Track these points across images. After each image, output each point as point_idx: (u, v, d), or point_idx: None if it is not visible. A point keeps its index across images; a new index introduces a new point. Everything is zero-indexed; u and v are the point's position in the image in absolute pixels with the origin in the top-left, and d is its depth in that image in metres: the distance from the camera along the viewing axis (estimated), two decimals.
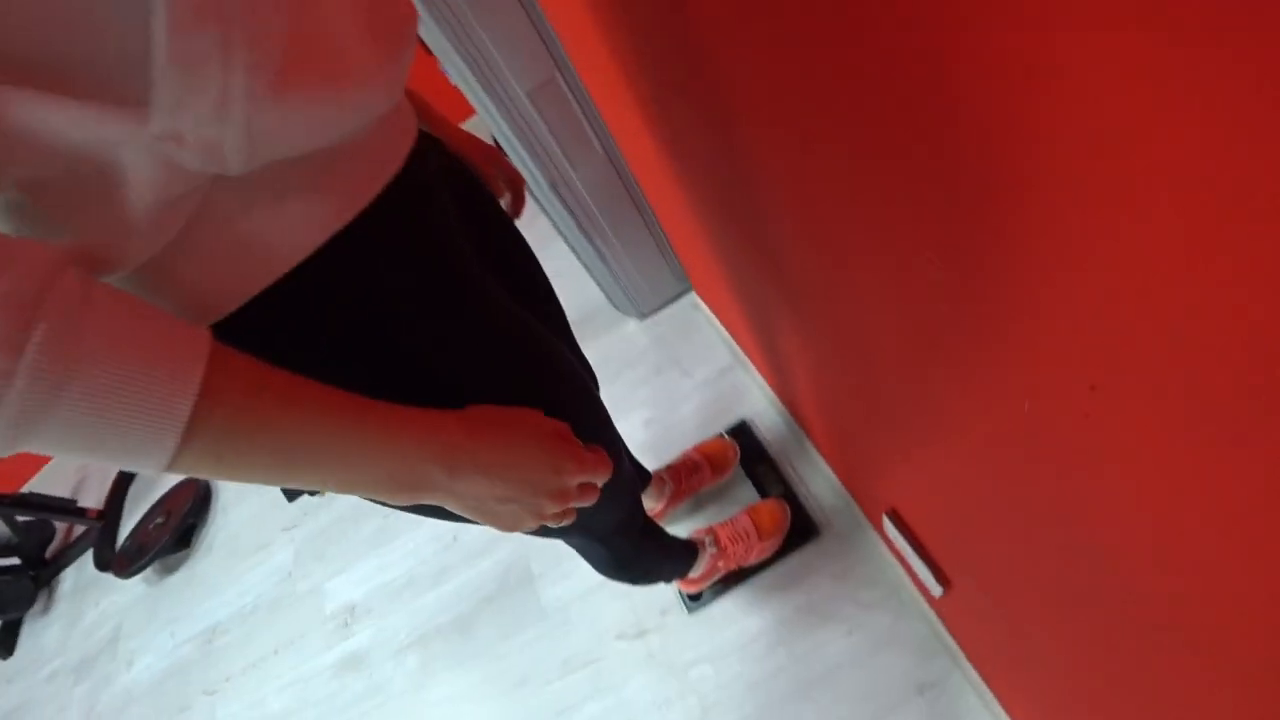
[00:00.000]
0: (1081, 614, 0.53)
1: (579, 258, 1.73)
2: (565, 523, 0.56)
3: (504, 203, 0.87)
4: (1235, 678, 0.38)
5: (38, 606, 2.25)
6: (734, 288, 1.17)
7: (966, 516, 0.68)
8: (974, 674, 1.05)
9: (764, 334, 1.19)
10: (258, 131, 0.39)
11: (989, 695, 1.04)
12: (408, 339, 0.51)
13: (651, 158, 1.10)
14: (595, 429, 0.73)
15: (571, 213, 1.55)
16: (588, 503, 0.56)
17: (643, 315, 1.87)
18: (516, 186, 0.87)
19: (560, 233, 1.65)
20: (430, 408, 0.46)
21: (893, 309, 0.53)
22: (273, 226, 0.44)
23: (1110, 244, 0.27)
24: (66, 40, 0.32)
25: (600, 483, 0.56)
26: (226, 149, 0.38)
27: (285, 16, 0.38)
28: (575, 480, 0.53)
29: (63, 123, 0.33)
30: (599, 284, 1.83)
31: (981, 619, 0.87)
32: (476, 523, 0.51)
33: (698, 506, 1.49)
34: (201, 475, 0.37)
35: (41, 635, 2.18)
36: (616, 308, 1.91)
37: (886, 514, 0.99)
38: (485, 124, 1.31)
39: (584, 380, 0.72)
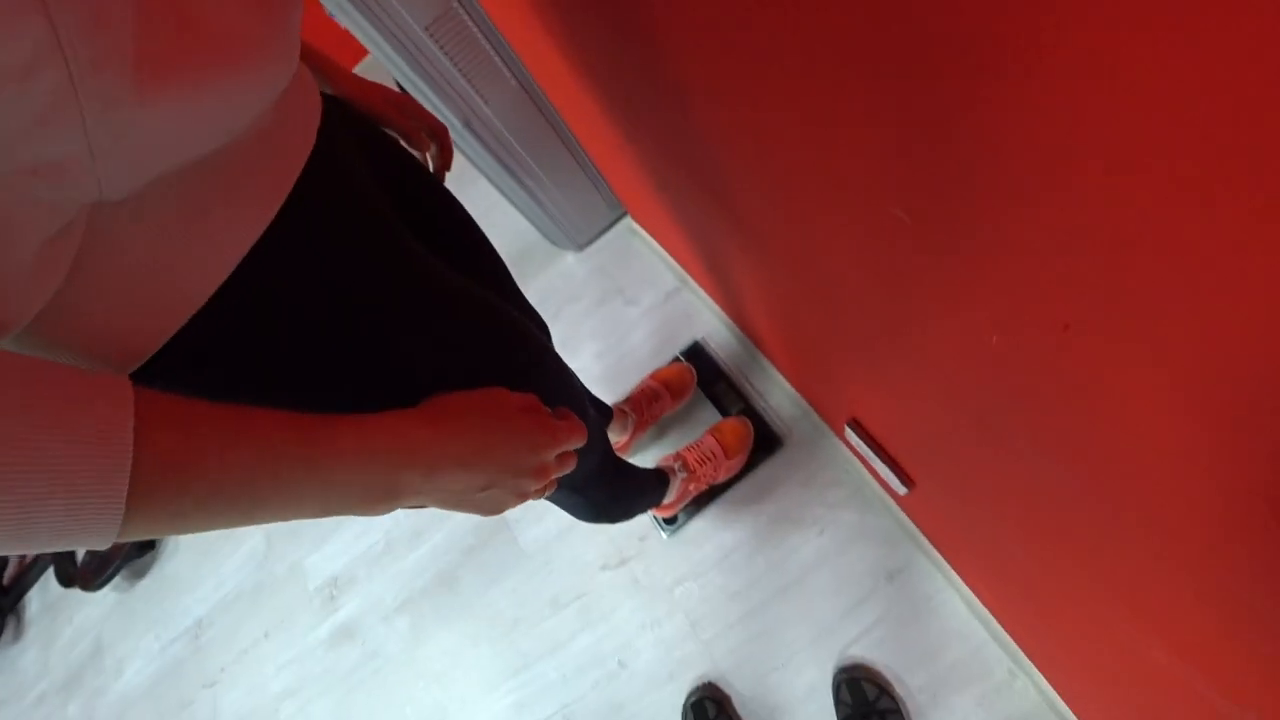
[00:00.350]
0: (1039, 506, 0.55)
1: (505, 195, 1.64)
2: (548, 494, 0.55)
3: (429, 157, 0.79)
4: (1168, 548, 0.40)
5: (7, 635, 2.18)
6: (672, 211, 1.13)
7: (930, 427, 0.69)
8: (937, 555, 1.12)
9: (708, 255, 1.15)
10: (129, 145, 0.31)
11: (951, 572, 1.11)
12: (352, 338, 0.47)
13: (569, 82, 1.02)
14: (559, 389, 0.70)
15: (490, 149, 1.45)
16: (567, 471, 0.54)
17: (579, 246, 1.80)
18: (441, 138, 0.79)
19: (481, 171, 1.55)
20: (390, 409, 0.43)
21: (852, 241, 0.51)
22: (182, 248, 0.38)
23: (1089, 192, 0.25)
24: None
25: (576, 447, 0.54)
26: (96, 175, 0.31)
27: None
28: (553, 454, 0.51)
29: None
30: (529, 219, 1.75)
31: (943, 509, 0.91)
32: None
33: (661, 433, 1.50)
34: (165, 535, 0.33)
35: (19, 661, 2.12)
36: (551, 242, 1.83)
37: (848, 424, 1.01)
38: (382, 66, 1.19)
39: (539, 340, 0.69)
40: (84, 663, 1.98)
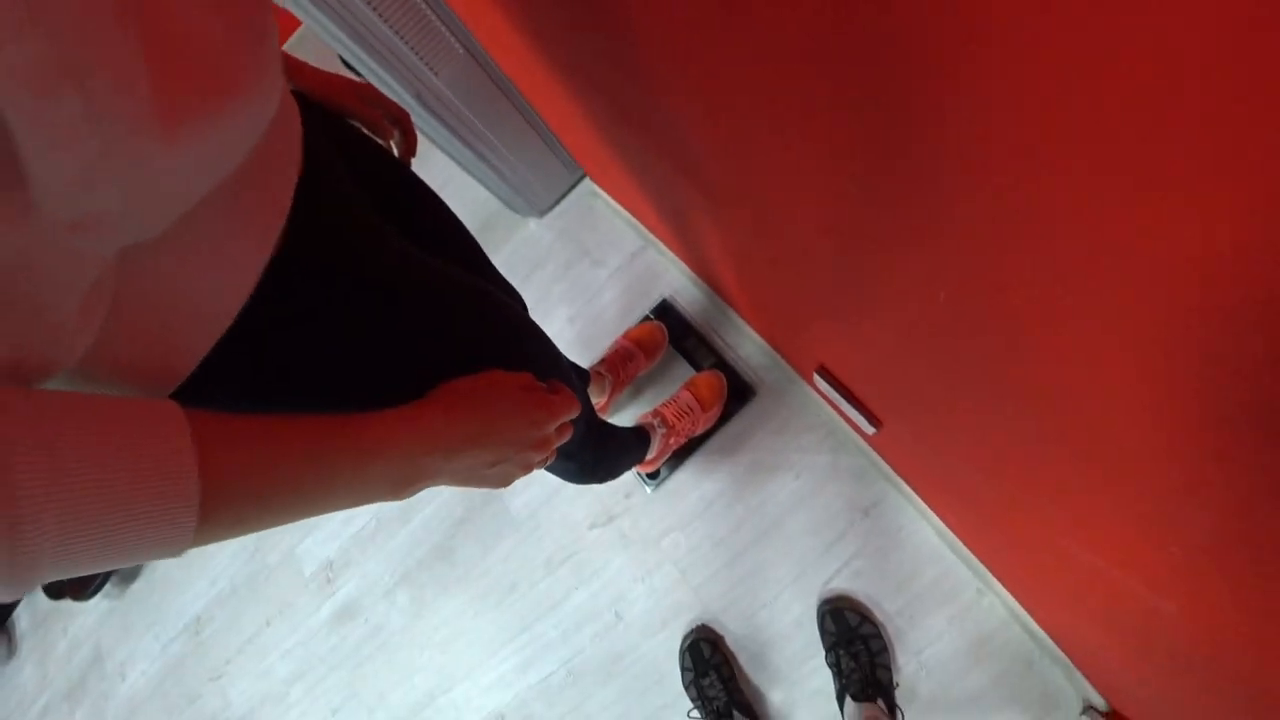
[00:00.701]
0: (992, 436, 0.59)
1: (462, 166, 1.61)
2: (549, 463, 0.59)
3: (393, 143, 0.79)
4: (1104, 475, 0.44)
5: (0, 652, 2.18)
6: (630, 172, 1.13)
7: (892, 370, 0.72)
8: (907, 489, 1.18)
9: (669, 214, 1.16)
10: (160, 190, 0.33)
11: (921, 504, 1.17)
12: (361, 341, 0.50)
13: (518, 48, 1.01)
14: (547, 362, 0.73)
15: (443, 121, 1.42)
16: (565, 440, 0.58)
17: (541, 212, 1.79)
18: (404, 124, 0.80)
19: (436, 144, 1.52)
20: (402, 400, 0.46)
21: (807, 206, 0.53)
22: (209, 273, 0.40)
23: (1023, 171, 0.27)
24: None
25: (572, 418, 0.58)
26: (131, 221, 0.33)
27: (134, 42, 0.30)
28: (553, 426, 0.55)
29: None
30: (489, 189, 1.72)
31: (910, 446, 0.95)
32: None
33: (637, 391, 1.53)
34: (225, 539, 0.36)
35: (17, 677, 2.12)
36: (512, 210, 1.82)
37: (816, 371, 1.04)
38: (317, 37, 1.15)
39: (524, 318, 0.72)
40: (85, 671, 2.00)
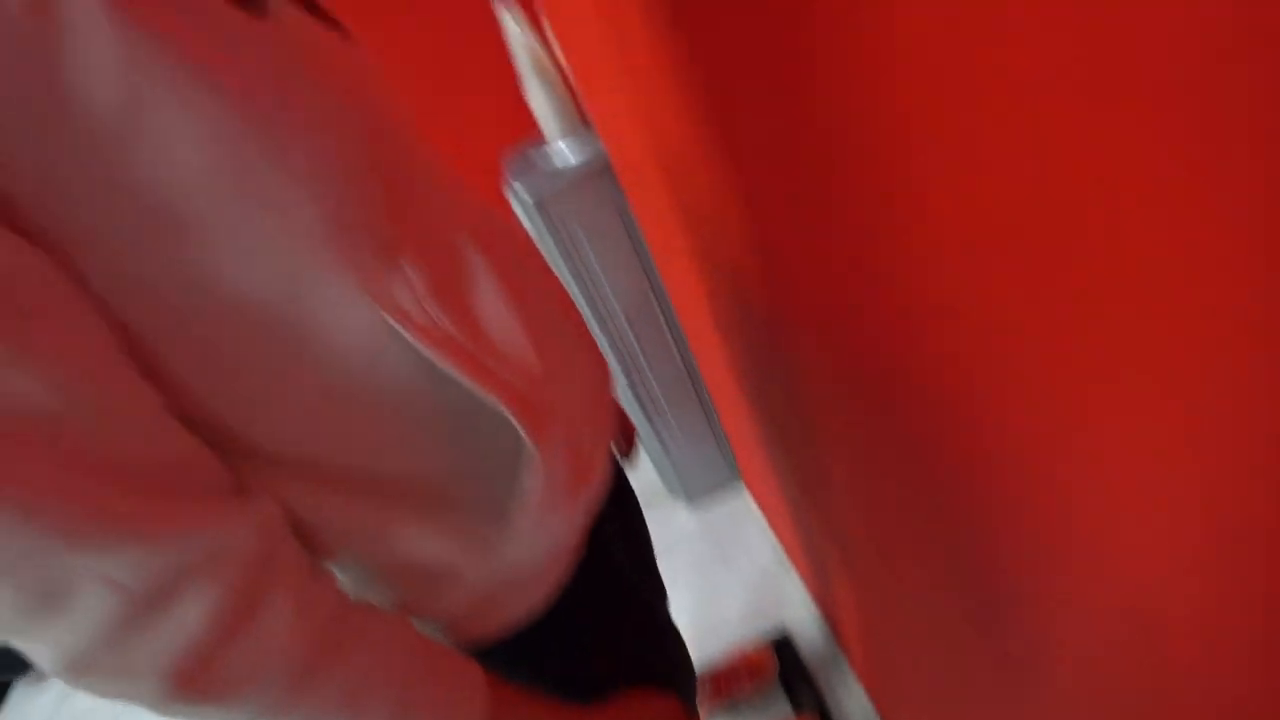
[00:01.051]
0: None
1: (639, 440, 1.90)
2: None
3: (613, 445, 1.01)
4: None
5: (33, 673, 2.16)
6: (783, 499, 1.29)
7: None
8: None
9: (810, 551, 1.28)
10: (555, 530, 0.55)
11: None
12: (588, 649, 0.65)
13: (724, 372, 1.26)
14: (685, 686, 0.85)
15: (641, 403, 1.74)
16: None
17: (693, 501, 1.99)
18: (630, 435, 1.00)
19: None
20: (590, 698, 0.59)
21: (931, 593, 0.63)
22: (534, 577, 0.58)
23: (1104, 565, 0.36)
24: (453, 476, 0.46)
25: None
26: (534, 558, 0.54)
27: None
28: None
29: (425, 548, 0.47)
30: (655, 466, 1.98)
31: None
32: None
33: (733, 710, 1.53)
34: None
35: (35, 699, 2.13)
36: (669, 490, 2.04)
37: None
38: None
39: (675, 635, 0.86)
40: None
